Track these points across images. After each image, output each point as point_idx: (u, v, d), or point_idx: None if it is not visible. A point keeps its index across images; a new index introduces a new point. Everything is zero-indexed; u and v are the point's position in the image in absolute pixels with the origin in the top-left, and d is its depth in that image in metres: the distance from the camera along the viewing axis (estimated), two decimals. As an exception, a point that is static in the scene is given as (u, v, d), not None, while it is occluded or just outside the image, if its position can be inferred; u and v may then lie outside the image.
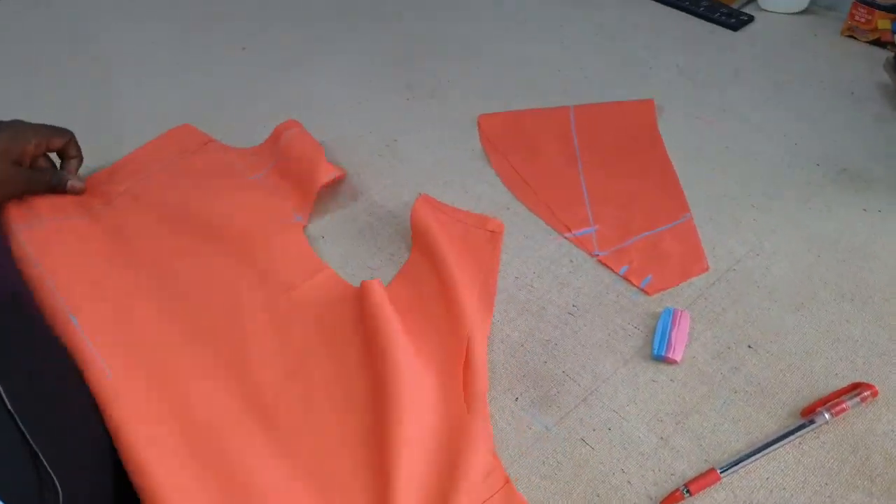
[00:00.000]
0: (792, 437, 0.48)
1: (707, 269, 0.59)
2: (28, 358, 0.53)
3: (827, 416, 0.48)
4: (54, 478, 0.47)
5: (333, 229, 0.65)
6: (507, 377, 0.53)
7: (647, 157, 0.69)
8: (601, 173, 0.67)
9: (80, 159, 0.70)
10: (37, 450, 0.46)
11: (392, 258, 0.62)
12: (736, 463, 0.46)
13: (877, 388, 0.49)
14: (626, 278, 0.59)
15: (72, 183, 0.69)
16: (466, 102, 0.77)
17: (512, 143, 0.71)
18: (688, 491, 0.45)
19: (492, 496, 0.46)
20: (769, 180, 0.66)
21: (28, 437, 0.47)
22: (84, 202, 0.68)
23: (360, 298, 0.58)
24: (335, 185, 0.68)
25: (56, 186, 0.68)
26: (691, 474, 0.47)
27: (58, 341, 0.57)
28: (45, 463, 0.47)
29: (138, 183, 0.70)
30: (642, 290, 0.58)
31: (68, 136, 0.69)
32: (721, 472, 0.46)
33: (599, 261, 0.60)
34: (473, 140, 0.73)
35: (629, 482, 0.47)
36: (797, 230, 0.61)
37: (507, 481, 0.47)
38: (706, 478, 0.46)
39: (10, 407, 0.47)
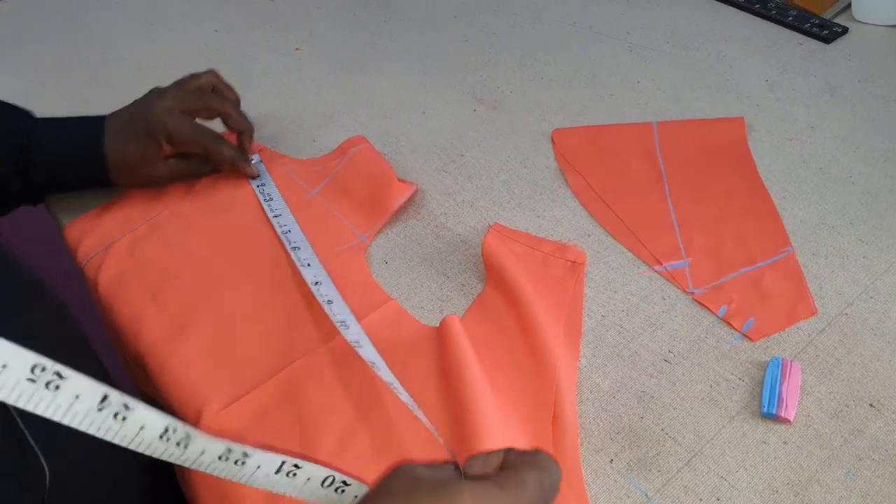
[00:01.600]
0: (933, 519, 0.42)
1: (815, 312, 0.53)
2: (17, 314, 0.48)
3: (971, 494, 0.42)
4: (41, 457, 0.42)
5: (397, 254, 0.60)
6: (598, 434, 0.48)
7: (739, 181, 0.63)
8: (690, 198, 0.62)
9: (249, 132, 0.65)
10: (21, 424, 0.41)
11: (463, 288, 0.57)
12: (870, 548, 0.41)
13: None
14: (725, 321, 0.53)
15: (248, 169, 0.64)
16: (536, 114, 0.72)
17: (591, 161, 0.65)
18: (817, 580, 0.40)
19: None
20: (875, 211, 0.60)
21: (10, 409, 0.41)
22: (145, 210, 0.64)
23: (433, 337, 0.53)
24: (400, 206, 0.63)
25: (233, 161, 0.62)
26: (818, 558, 0.41)
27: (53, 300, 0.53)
28: (31, 440, 0.42)
29: (191, 195, 0.65)
30: (745, 335, 0.52)
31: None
32: (854, 559, 0.41)
33: (695, 299, 0.55)
34: (547, 157, 0.67)
35: (747, 566, 0.41)
36: (913, 270, 0.55)
37: None
38: (837, 564, 0.40)
39: None
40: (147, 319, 0.56)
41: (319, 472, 0.32)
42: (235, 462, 0.30)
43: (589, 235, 0.60)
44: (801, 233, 0.59)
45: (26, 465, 0.41)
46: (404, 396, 0.46)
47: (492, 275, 0.56)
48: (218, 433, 0.49)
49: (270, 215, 0.62)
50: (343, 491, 0.33)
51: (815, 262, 0.57)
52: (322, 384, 0.51)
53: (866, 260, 0.57)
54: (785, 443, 0.46)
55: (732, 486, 0.45)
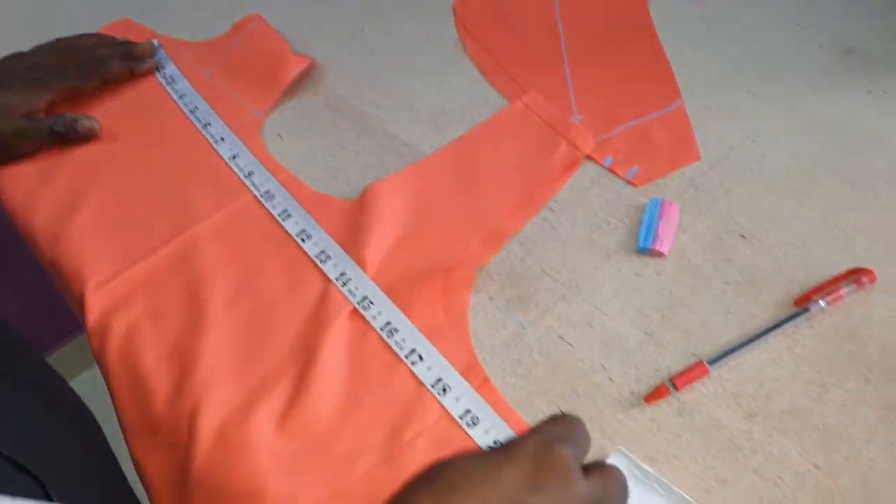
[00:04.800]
0: (784, 327, 0.44)
1: (698, 158, 0.55)
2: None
3: (822, 303, 0.45)
4: None
5: (292, 127, 0.61)
6: (481, 277, 0.49)
7: (636, 43, 0.63)
8: (587, 60, 0.62)
9: None
10: None
11: (358, 155, 0.58)
12: (725, 355, 0.43)
13: (875, 273, 0.46)
14: (611, 170, 0.55)
15: (84, 123, 0.58)
16: (441, -10, 0.71)
17: (491, 29, 0.65)
18: (674, 385, 0.42)
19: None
20: (768, 64, 0.61)
21: None
22: None
23: (326, 202, 0.54)
24: (295, 80, 0.63)
25: (62, 134, 0.58)
26: (678, 369, 0.44)
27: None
28: None
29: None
30: (628, 181, 0.54)
31: (96, 76, 0.60)
32: (709, 365, 0.43)
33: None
34: (450, 29, 0.67)
35: (611, 379, 0.44)
36: (798, 116, 0.57)
37: (487, 381, 0.44)
38: (693, 371, 0.43)
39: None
40: (39, 200, 0.56)
41: None
42: None
43: (486, 101, 0.61)
44: (695, 88, 0.60)
45: None
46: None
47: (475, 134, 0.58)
48: (108, 300, 0.50)
49: (175, 97, 0.63)
50: None
51: (704, 114, 0.58)
52: (214, 249, 0.52)
53: (754, 109, 0.58)
54: (658, 274, 0.48)
55: (604, 314, 0.47)
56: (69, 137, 0.58)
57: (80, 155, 0.59)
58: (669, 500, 0.38)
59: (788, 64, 0.61)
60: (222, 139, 0.59)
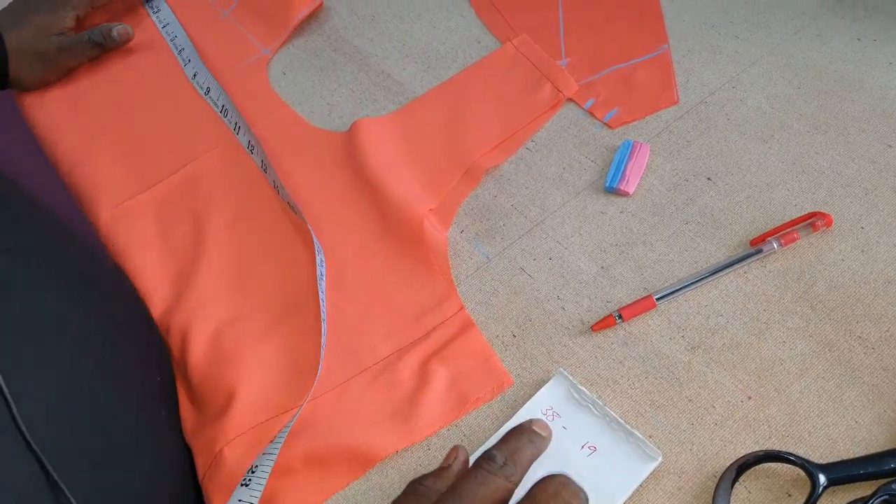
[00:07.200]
0: (736, 266, 0.46)
1: (676, 101, 0.56)
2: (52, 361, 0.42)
3: (776, 245, 0.46)
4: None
5: (295, 65, 0.64)
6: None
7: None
8: (580, 4, 0.63)
9: None
10: (62, 486, 0.37)
11: (352, 94, 0.61)
12: (674, 290, 0.46)
13: (832, 217, 0.47)
14: (590, 112, 0.56)
15: (118, 29, 0.64)
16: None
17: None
18: (620, 316, 0.45)
19: (445, 321, 0.47)
20: (757, 8, 0.61)
21: (49, 468, 0.37)
22: None
23: (321, 137, 0.57)
24: (302, 21, 0.66)
25: (101, 43, 0.63)
26: (628, 302, 0.46)
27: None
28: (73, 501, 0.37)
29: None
30: (605, 123, 0.55)
31: None
32: (657, 299, 0.45)
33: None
34: (448, -29, 0.68)
35: (563, 308, 0.47)
36: (781, 61, 0.57)
37: (462, 308, 0.47)
38: (641, 304, 0.45)
39: (22, 428, 0.36)
40: (64, 129, 0.61)
41: None
42: None
43: (478, 42, 0.63)
44: (681, 31, 0.60)
45: None
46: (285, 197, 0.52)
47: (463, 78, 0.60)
48: (121, 222, 0.55)
49: (168, 39, 0.67)
50: None
51: (688, 58, 0.59)
52: (213, 180, 0.56)
53: (737, 54, 0.58)
54: (621, 212, 0.51)
55: (565, 248, 0.49)
56: (107, 45, 0.64)
57: (102, 91, 0.64)
58: (602, 420, 0.41)
59: (777, 8, 0.61)
60: (209, 89, 0.62)
